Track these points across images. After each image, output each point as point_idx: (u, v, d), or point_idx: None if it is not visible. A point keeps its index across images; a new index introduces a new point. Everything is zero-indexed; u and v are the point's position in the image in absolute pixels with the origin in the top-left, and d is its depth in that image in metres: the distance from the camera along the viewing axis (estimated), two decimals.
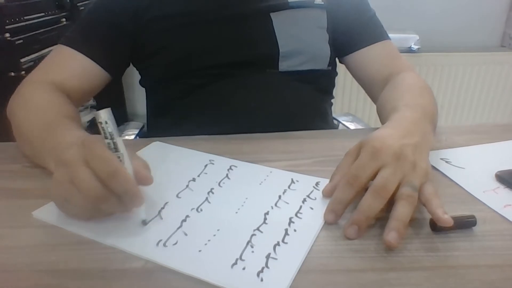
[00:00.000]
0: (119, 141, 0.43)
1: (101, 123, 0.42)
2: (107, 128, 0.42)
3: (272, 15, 0.76)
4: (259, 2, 0.76)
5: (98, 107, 1.84)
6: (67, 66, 0.72)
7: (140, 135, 1.03)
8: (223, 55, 0.75)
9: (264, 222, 0.44)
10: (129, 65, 0.83)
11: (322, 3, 0.79)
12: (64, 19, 1.59)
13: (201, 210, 0.47)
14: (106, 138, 0.42)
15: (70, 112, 0.62)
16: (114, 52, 0.75)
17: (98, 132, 0.43)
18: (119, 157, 0.42)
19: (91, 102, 1.78)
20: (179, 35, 0.74)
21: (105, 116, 0.42)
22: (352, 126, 1.17)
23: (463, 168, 0.56)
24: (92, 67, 0.72)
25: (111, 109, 0.43)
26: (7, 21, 1.26)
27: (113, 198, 0.40)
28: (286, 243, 0.41)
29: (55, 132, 0.53)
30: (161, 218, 0.45)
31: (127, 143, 0.85)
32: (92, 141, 0.41)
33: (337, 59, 0.86)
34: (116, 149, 0.43)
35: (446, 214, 0.41)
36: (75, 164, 0.40)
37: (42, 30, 1.42)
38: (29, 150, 0.58)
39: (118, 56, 0.77)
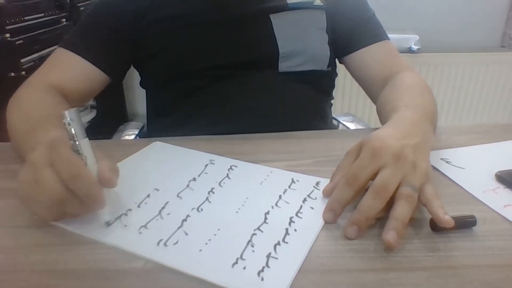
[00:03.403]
0: (83, 142, 0.42)
1: (64, 124, 0.42)
2: (71, 129, 0.42)
3: (272, 16, 0.76)
4: (258, 3, 0.76)
5: (98, 107, 1.84)
6: (65, 69, 0.72)
7: (140, 135, 1.03)
8: (223, 56, 0.75)
9: (265, 222, 0.44)
10: (130, 67, 0.83)
11: (321, 4, 0.79)
12: (64, 20, 1.59)
13: (202, 209, 0.47)
14: (70, 139, 0.42)
15: (67, 106, 0.62)
16: (114, 54, 0.76)
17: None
18: (83, 159, 0.42)
19: (91, 102, 1.78)
20: (179, 36, 0.74)
21: (69, 116, 0.42)
22: (352, 126, 1.17)
23: (463, 168, 0.56)
24: (90, 69, 0.73)
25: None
26: (7, 21, 1.25)
27: (76, 201, 0.41)
28: (287, 242, 0.41)
29: (37, 133, 0.51)
30: (162, 218, 0.45)
31: (127, 143, 0.85)
32: (58, 142, 0.42)
33: (336, 60, 0.86)
34: (80, 151, 0.42)
35: (447, 215, 0.41)
36: (39, 165, 0.41)
37: (42, 30, 1.42)
38: (16, 150, 0.59)
39: (117, 58, 0.77)
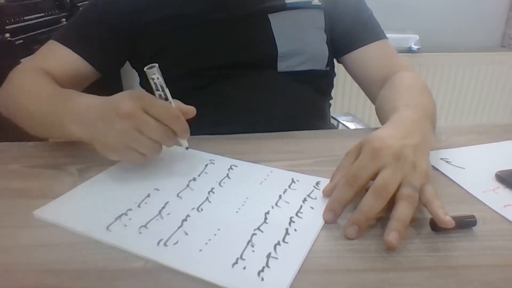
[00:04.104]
0: (167, 91, 0.52)
1: (153, 78, 0.51)
2: (159, 82, 0.51)
3: (270, 16, 0.76)
4: (257, 3, 0.76)
5: None
6: (54, 59, 0.72)
7: None
8: (222, 56, 0.75)
9: (265, 222, 0.44)
10: (124, 64, 0.83)
11: (320, 3, 0.79)
12: (64, 19, 1.59)
13: (202, 209, 0.47)
14: (157, 90, 0.51)
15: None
16: (106, 51, 0.76)
17: None
18: (170, 103, 0.52)
19: None
20: (178, 37, 0.74)
21: (156, 72, 0.50)
22: (352, 126, 1.17)
23: (463, 168, 0.56)
24: (79, 62, 0.73)
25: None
26: (7, 21, 1.25)
27: (174, 135, 0.51)
28: (287, 242, 0.41)
29: (66, 100, 0.57)
30: (162, 218, 0.45)
31: None
32: (146, 94, 0.50)
33: (335, 60, 0.86)
34: (166, 98, 0.52)
35: (447, 215, 0.41)
36: (139, 115, 0.48)
37: (42, 30, 1.42)
38: (40, 126, 0.61)
39: (109, 55, 0.77)
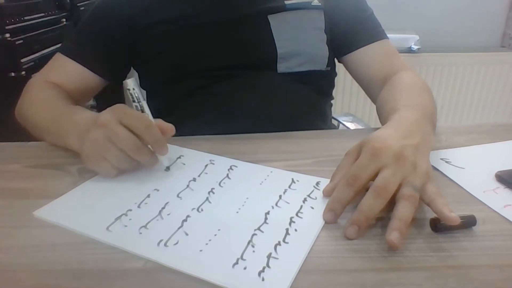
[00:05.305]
0: (144, 104, 0.52)
1: (129, 89, 0.51)
2: (135, 94, 0.52)
3: (270, 17, 0.76)
4: (257, 4, 0.76)
5: (98, 107, 1.85)
6: (63, 73, 0.76)
7: None
8: (222, 57, 0.75)
9: (265, 222, 0.44)
10: (130, 69, 0.84)
11: (319, 4, 0.79)
12: (64, 19, 1.59)
13: (202, 210, 0.47)
14: (134, 101, 0.52)
15: (73, 102, 0.69)
16: (109, 59, 0.78)
17: None
18: (147, 115, 0.52)
19: (91, 102, 1.78)
20: (178, 38, 0.75)
21: (132, 84, 0.51)
22: (352, 126, 1.17)
23: (463, 168, 0.56)
24: (86, 73, 0.76)
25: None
26: (7, 21, 1.25)
27: (146, 148, 0.50)
28: (287, 242, 0.41)
29: (69, 115, 0.61)
30: (162, 218, 0.45)
31: None
32: (121, 105, 0.51)
33: (336, 60, 0.86)
34: (142, 110, 0.52)
35: (452, 212, 0.41)
36: (111, 124, 0.49)
37: (42, 30, 1.42)
38: (49, 137, 0.64)
39: (113, 62, 0.79)
